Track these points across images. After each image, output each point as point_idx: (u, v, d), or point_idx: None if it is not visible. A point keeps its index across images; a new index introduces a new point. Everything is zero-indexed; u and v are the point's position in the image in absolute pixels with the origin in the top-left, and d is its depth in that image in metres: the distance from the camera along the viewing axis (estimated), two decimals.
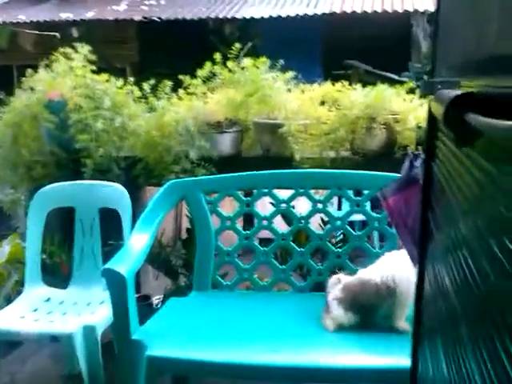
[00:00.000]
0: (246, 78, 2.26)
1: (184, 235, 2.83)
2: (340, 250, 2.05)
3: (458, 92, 0.69)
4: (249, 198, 2.08)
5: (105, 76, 2.33)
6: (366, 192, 2.03)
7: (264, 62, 2.27)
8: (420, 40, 4.86)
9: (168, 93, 2.31)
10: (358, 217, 2.47)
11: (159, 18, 5.39)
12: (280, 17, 5.35)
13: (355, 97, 2.15)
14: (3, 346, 2.04)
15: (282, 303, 1.98)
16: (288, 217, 2.18)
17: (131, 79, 2.38)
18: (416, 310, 1.26)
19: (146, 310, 2.21)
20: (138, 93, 2.33)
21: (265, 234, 2.16)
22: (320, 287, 1.97)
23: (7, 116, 2.34)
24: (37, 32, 5.37)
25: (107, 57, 4.89)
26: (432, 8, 1.38)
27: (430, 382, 1.06)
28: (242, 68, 2.27)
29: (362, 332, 1.64)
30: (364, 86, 2.22)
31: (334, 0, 5.53)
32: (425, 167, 1.23)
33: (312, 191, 2.06)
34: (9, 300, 2.22)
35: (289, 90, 2.27)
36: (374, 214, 2.03)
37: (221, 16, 5.52)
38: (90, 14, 5.60)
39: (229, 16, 5.51)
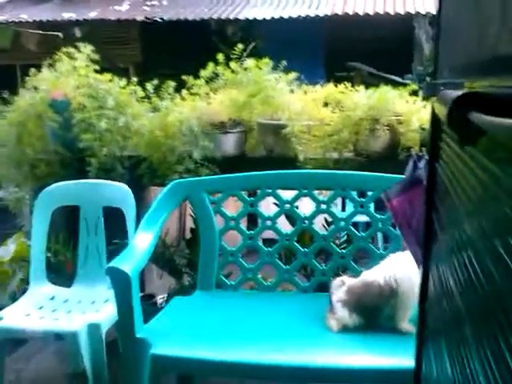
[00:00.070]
0: (249, 78, 2.27)
1: (188, 235, 2.85)
2: (344, 251, 2.05)
3: (462, 92, 0.70)
4: (252, 199, 2.09)
5: (108, 76, 2.35)
6: (369, 193, 2.03)
7: (267, 62, 2.28)
8: (422, 42, 4.86)
9: (171, 93, 2.32)
10: (362, 218, 2.48)
11: (161, 19, 5.40)
12: (282, 18, 5.36)
13: (358, 98, 2.16)
14: (8, 344, 2.05)
15: (286, 303, 1.99)
16: (292, 217, 2.19)
17: (134, 79, 2.39)
18: (420, 311, 1.27)
19: (151, 308, 2.22)
20: (141, 93, 2.34)
21: (269, 234, 2.17)
22: (324, 287, 1.98)
23: (11, 115, 2.35)
24: (40, 32, 5.38)
25: (110, 57, 4.90)
26: (434, 10, 1.39)
27: (434, 383, 1.07)
28: (245, 69, 2.28)
29: (366, 333, 1.65)
30: (367, 87, 2.23)
31: (336, 1, 5.54)
32: (429, 168, 1.24)
33: (316, 192, 2.07)
34: (14, 298, 2.24)
35: (292, 91, 2.28)
36: (378, 215, 2.03)
37: (223, 17, 5.53)
38: (92, 14, 5.62)
39: (231, 17, 5.52)
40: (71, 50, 2.35)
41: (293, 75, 2.28)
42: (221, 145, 2.26)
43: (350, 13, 5.24)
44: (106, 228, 2.19)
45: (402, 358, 1.40)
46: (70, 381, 2.21)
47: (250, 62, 2.27)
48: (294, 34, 5.27)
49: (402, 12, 5.13)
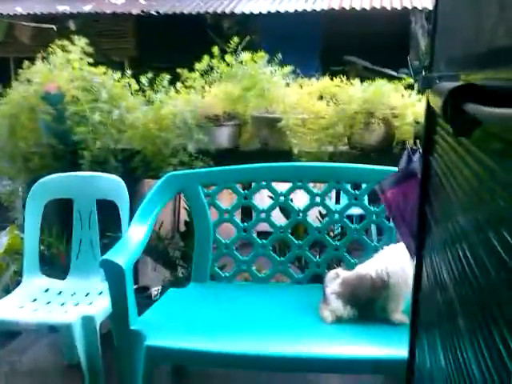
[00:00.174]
0: (244, 72, 2.26)
1: (182, 227, 2.84)
2: (338, 243, 2.06)
3: (458, 83, 0.70)
4: (247, 191, 2.09)
5: (102, 69, 2.33)
6: (364, 185, 2.04)
7: (262, 56, 2.27)
8: (419, 37, 4.86)
9: (165, 86, 2.31)
10: (356, 211, 2.49)
11: (157, 12, 5.36)
12: (279, 12, 5.34)
13: (353, 92, 2.16)
14: (2, 336, 2.05)
15: (280, 295, 2.00)
16: (286, 210, 2.19)
17: (129, 72, 2.38)
18: (413, 302, 1.28)
19: (145, 301, 2.22)
20: (135, 86, 2.33)
21: (263, 226, 2.17)
22: (318, 279, 1.99)
23: (4, 108, 2.33)
24: (33, 24, 5.33)
25: (104, 50, 4.87)
26: (430, 5, 1.39)
27: (427, 373, 1.08)
28: (240, 62, 2.28)
29: (359, 323, 1.66)
30: (362, 81, 2.23)
31: None
32: (423, 161, 1.25)
33: (310, 184, 2.07)
34: (7, 290, 2.23)
35: (287, 85, 2.28)
36: (372, 208, 2.04)
37: (219, 11, 5.49)
38: (87, 7, 5.56)
39: (227, 11, 5.49)
40: (65, 42, 2.33)
41: (288, 69, 2.27)
42: (215, 138, 2.25)
43: (347, 8, 5.22)
44: (100, 221, 2.19)
45: (396, 349, 1.42)
46: (64, 373, 2.21)
47: (245, 56, 2.26)
48: (290, 29, 5.25)
49: (399, 7, 5.12)
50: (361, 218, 2.83)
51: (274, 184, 2.09)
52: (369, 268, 1.71)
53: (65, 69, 2.33)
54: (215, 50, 2.25)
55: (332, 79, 2.27)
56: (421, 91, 1.94)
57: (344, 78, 2.25)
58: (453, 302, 0.85)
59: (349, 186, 2.07)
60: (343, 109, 2.14)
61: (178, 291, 2.01)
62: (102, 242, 2.18)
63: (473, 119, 0.63)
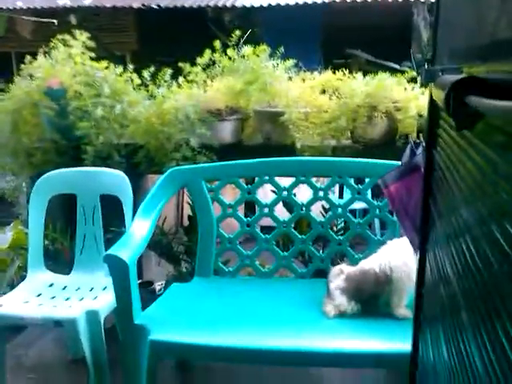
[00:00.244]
0: (246, 66, 2.25)
1: (186, 222, 2.85)
2: (341, 238, 2.06)
3: (460, 76, 0.70)
4: (250, 186, 2.09)
5: (104, 63, 2.33)
6: (367, 180, 2.04)
7: (264, 49, 2.26)
8: (421, 29, 4.83)
9: (168, 80, 2.30)
10: (359, 205, 2.49)
11: (158, 6, 5.35)
12: (279, 5, 5.32)
13: (356, 85, 2.15)
14: (8, 331, 2.06)
15: (284, 289, 2.00)
16: (289, 204, 2.19)
17: (131, 67, 2.37)
18: (417, 296, 1.28)
19: (149, 295, 2.23)
20: (137, 80, 2.33)
21: (266, 221, 2.18)
22: (321, 274, 1.99)
23: (7, 103, 2.33)
24: (34, 19, 5.32)
25: (106, 44, 4.86)
26: None
27: (431, 366, 1.08)
28: (242, 56, 2.27)
29: (363, 318, 1.66)
30: (365, 74, 2.22)
31: None
32: (426, 154, 1.24)
33: (313, 179, 2.07)
34: (12, 285, 2.25)
35: (289, 79, 2.27)
36: (375, 202, 2.04)
37: (220, 4, 5.48)
38: (87, 1, 5.55)
39: (228, 4, 5.47)
40: (67, 37, 2.33)
41: (290, 62, 2.27)
42: (218, 132, 2.25)
43: (349, 0, 5.20)
44: (104, 216, 2.19)
45: (399, 343, 1.42)
46: (69, 367, 2.23)
47: (247, 49, 2.25)
48: (292, 22, 5.23)
49: None
50: (364, 212, 2.83)
51: (277, 179, 2.09)
52: (372, 263, 1.71)
53: (67, 64, 2.32)
54: (217, 43, 2.24)
55: (334, 73, 2.26)
56: (424, 84, 1.93)
57: (346, 72, 2.24)
58: (456, 295, 0.85)
59: (352, 181, 2.07)
60: (346, 102, 2.14)
61: (181, 286, 2.01)
62: (105, 237, 2.19)
63: (475, 112, 0.63)
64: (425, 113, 1.31)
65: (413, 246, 1.46)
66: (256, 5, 5.37)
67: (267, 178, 2.08)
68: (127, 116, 2.29)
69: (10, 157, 2.41)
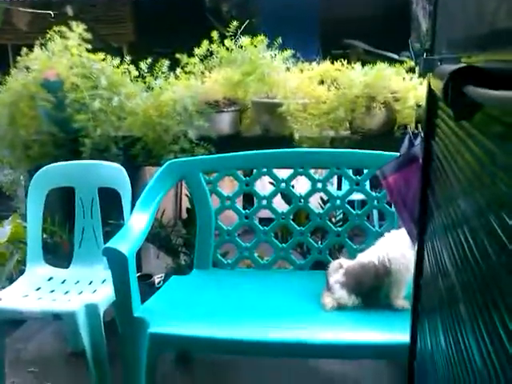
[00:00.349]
0: (244, 56, 2.24)
1: (184, 215, 2.85)
2: (340, 229, 2.06)
3: (459, 66, 0.69)
4: (248, 178, 2.08)
5: (101, 55, 2.31)
6: (365, 171, 2.03)
7: (262, 40, 2.24)
8: (420, 19, 4.80)
9: (165, 72, 2.29)
10: (357, 196, 2.49)
11: None
12: None
13: (354, 76, 2.14)
14: (7, 325, 2.07)
15: (282, 281, 2.01)
16: (287, 196, 2.19)
17: (128, 58, 2.36)
18: (415, 287, 1.28)
19: (148, 288, 2.24)
20: (135, 72, 2.31)
21: (265, 213, 2.17)
22: (320, 265, 2.00)
23: (3, 95, 2.32)
24: (30, 10, 5.28)
25: (102, 36, 4.82)
26: None
27: (429, 357, 1.08)
28: (240, 46, 2.25)
29: (361, 309, 1.67)
30: (363, 65, 2.21)
31: None
32: (424, 145, 1.24)
33: (312, 170, 2.07)
34: (11, 279, 2.25)
35: (287, 69, 2.26)
36: (374, 193, 2.04)
37: None
38: None
39: None
40: (63, 28, 2.31)
41: (288, 53, 2.25)
42: (216, 124, 2.24)
43: None
44: (102, 209, 2.19)
45: (398, 334, 1.42)
46: (69, 360, 2.23)
47: (244, 40, 2.24)
48: (289, 11, 5.19)
49: None
50: (362, 203, 2.83)
51: (275, 170, 2.09)
52: (371, 256, 1.71)
53: (63, 55, 2.31)
54: (214, 34, 2.23)
55: (333, 63, 2.24)
56: (422, 74, 1.92)
57: (345, 62, 2.23)
58: (454, 286, 0.85)
59: (350, 172, 2.06)
60: (344, 93, 2.13)
61: (180, 278, 2.02)
62: (104, 230, 2.18)
63: (473, 102, 0.62)
64: (423, 103, 1.31)
65: (411, 237, 1.46)
66: None
67: (265, 169, 2.07)
68: (125, 108, 2.28)
69: (7, 150, 2.40)
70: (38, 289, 2.02)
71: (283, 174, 2.10)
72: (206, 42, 2.24)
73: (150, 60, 2.31)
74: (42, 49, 2.33)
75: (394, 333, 1.48)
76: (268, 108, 2.21)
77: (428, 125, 1.22)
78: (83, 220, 2.21)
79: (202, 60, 2.26)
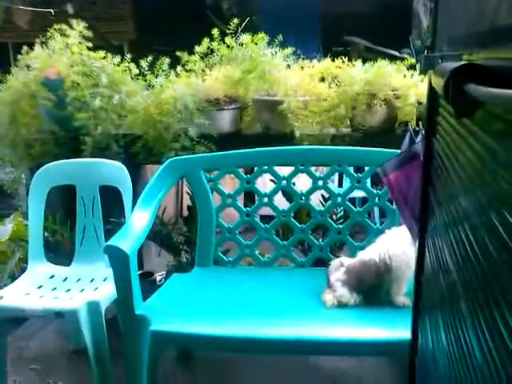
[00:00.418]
0: (245, 54, 2.24)
1: (185, 212, 2.85)
2: (341, 226, 2.06)
3: (459, 63, 0.69)
4: (249, 176, 2.09)
5: (101, 53, 2.31)
6: (366, 168, 2.03)
7: (262, 37, 2.24)
8: (421, 16, 4.79)
9: (166, 70, 2.29)
10: (358, 194, 2.48)
11: None
12: None
13: (355, 73, 2.13)
14: (9, 323, 2.07)
15: (284, 278, 2.01)
16: (288, 193, 2.19)
17: (128, 56, 2.36)
18: (416, 284, 1.28)
19: (149, 286, 2.24)
20: (135, 70, 2.31)
21: (266, 211, 2.17)
22: (321, 262, 2.00)
23: (4, 94, 2.32)
24: (31, 8, 5.27)
25: (103, 34, 4.82)
26: None
27: (430, 354, 1.09)
28: (241, 44, 2.25)
29: (362, 307, 1.67)
30: (364, 62, 2.21)
31: None
32: (425, 143, 1.24)
33: (312, 168, 2.07)
34: (13, 277, 2.25)
35: (288, 67, 2.26)
36: (375, 190, 2.04)
37: None
38: None
39: None
40: (64, 27, 2.31)
41: (289, 50, 2.25)
42: (216, 122, 2.24)
43: None
44: (103, 207, 2.19)
45: (399, 330, 1.42)
46: (71, 358, 2.24)
47: (245, 38, 2.24)
48: (290, 9, 5.18)
49: None
50: (363, 200, 2.82)
51: (276, 168, 2.09)
52: (372, 253, 1.71)
53: (64, 54, 2.31)
54: (215, 32, 2.22)
55: (333, 60, 2.24)
56: (423, 71, 1.92)
57: (346, 59, 2.22)
58: (455, 283, 0.85)
59: (351, 169, 2.07)
60: (345, 90, 2.12)
61: (182, 276, 2.02)
62: (105, 228, 2.19)
63: (474, 100, 0.62)
64: (424, 100, 1.31)
65: (412, 235, 1.46)
66: None
67: (266, 167, 2.07)
68: (125, 106, 2.28)
69: (8, 148, 2.40)
70: (39, 287, 2.03)
71: (284, 171, 2.10)
72: (206, 40, 2.24)
73: (150, 58, 2.31)
74: (42, 47, 2.33)
75: (394, 329, 1.48)
76: (269, 106, 2.21)
77: (429, 122, 1.22)
78: (84, 218, 2.21)
79: (202, 58, 2.26)
